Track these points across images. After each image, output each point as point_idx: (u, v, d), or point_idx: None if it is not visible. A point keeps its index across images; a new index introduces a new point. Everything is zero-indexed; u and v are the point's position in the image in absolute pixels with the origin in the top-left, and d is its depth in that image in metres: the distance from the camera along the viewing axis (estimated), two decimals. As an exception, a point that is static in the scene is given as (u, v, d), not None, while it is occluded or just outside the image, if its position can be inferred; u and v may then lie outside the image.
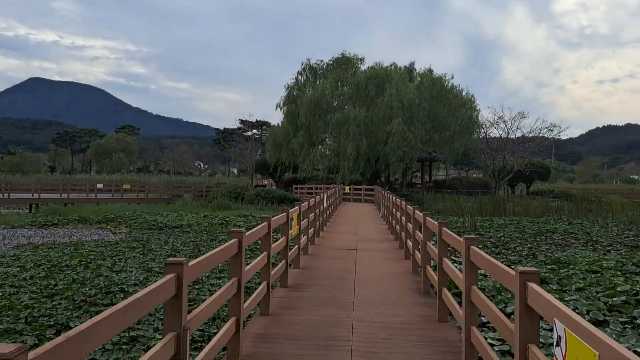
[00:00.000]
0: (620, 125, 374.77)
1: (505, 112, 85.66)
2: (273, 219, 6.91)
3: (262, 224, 6.49)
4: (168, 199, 44.68)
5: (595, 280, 12.07)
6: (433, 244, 8.05)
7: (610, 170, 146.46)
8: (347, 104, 41.91)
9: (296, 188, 46.18)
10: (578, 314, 10.12)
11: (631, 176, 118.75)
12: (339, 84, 44.37)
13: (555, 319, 2.78)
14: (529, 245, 19.22)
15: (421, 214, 8.48)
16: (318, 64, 46.39)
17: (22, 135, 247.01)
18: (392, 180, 52.58)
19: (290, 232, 8.64)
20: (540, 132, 47.77)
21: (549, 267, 14.16)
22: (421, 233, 8.65)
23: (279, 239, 8.25)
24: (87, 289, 12.54)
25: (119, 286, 12.75)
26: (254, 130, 75.16)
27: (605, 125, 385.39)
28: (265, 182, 62.83)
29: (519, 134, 48.19)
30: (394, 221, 16.25)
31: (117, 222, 30.38)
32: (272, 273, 6.86)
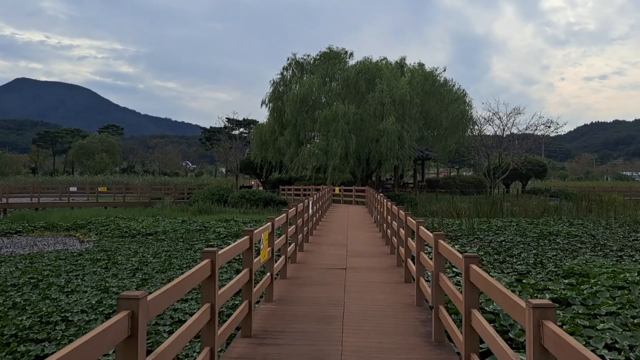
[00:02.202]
0: (609, 121, 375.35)
1: (500, 108, 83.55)
2: (220, 252, 4.71)
3: (203, 263, 4.32)
4: (147, 202, 42.22)
5: (625, 300, 10.17)
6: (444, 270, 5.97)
7: (600, 166, 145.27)
8: (335, 100, 39.73)
9: (283, 189, 43.90)
10: (618, 349, 8.10)
11: (623, 172, 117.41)
12: (327, 79, 42.25)
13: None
14: (534, 252, 17.61)
15: (431, 235, 6.32)
16: (305, 59, 44.19)
17: (8, 136, 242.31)
18: (383, 180, 50.54)
19: (255, 260, 6.46)
20: (536, 129, 45.94)
21: (566, 281, 12.24)
22: (431, 260, 6.50)
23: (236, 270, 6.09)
24: (24, 317, 10.42)
25: (64, 314, 10.58)
26: (241, 129, 72.65)
27: (594, 122, 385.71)
28: (253, 183, 60.56)
29: (514, 131, 46.34)
30: (389, 230, 14.13)
31: (87, 229, 28.04)
32: (219, 333, 4.67)
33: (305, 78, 40.89)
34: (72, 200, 43.36)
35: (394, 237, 12.56)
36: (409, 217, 9.39)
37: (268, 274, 7.76)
